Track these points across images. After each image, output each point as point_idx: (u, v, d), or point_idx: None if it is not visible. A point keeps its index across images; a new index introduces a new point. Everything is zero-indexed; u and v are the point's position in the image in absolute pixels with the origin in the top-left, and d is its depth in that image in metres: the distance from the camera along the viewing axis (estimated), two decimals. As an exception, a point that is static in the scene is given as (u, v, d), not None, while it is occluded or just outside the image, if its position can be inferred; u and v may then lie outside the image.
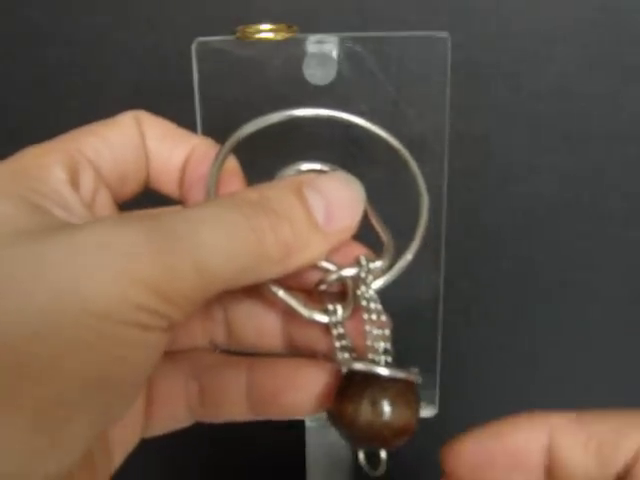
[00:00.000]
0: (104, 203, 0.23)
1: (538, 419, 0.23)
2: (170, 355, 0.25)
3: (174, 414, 0.25)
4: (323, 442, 0.35)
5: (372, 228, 0.25)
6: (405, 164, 0.25)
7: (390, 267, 0.24)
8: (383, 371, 0.22)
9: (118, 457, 0.24)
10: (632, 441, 0.21)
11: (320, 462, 0.36)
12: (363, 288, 0.23)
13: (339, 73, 0.29)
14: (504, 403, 0.45)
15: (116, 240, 0.18)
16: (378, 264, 0.23)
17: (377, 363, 0.22)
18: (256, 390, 0.24)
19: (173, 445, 0.49)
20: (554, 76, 0.38)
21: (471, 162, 0.40)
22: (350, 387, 0.22)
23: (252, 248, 0.20)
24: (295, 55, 0.29)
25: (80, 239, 0.18)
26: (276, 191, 0.22)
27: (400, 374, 0.22)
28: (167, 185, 0.24)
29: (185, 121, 0.26)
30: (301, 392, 0.23)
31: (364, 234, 0.24)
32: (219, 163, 0.23)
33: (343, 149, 0.30)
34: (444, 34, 0.29)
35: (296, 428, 0.35)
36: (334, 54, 0.29)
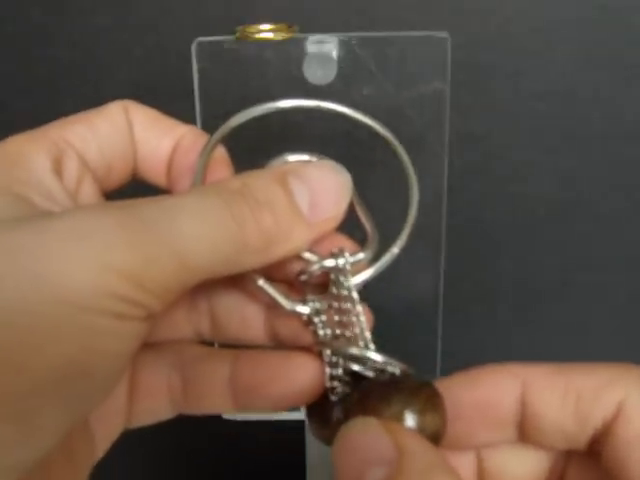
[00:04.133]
0: (89, 193, 0.23)
1: (511, 369, 0.21)
2: (153, 346, 0.24)
3: (157, 406, 0.24)
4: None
5: (357, 219, 0.24)
6: (395, 154, 0.24)
7: (374, 259, 0.23)
8: (376, 356, 0.22)
9: (100, 448, 0.23)
10: (613, 395, 0.20)
11: (320, 462, 0.36)
12: (342, 278, 0.22)
13: (339, 73, 0.29)
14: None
15: (93, 228, 0.17)
16: (361, 256, 0.23)
17: (369, 349, 0.22)
18: (241, 382, 0.23)
19: (173, 444, 0.49)
20: (554, 76, 0.38)
21: (471, 162, 0.40)
22: (368, 396, 0.21)
23: (233, 237, 0.19)
24: (295, 55, 0.29)
25: (57, 227, 0.17)
26: (259, 179, 0.21)
27: (394, 362, 0.22)
28: (155, 175, 0.24)
29: (185, 121, 0.26)
30: (287, 384, 0.23)
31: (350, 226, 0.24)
32: (207, 153, 0.23)
33: (345, 150, 0.30)
34: (444, 34, 0.29)
35: (296, 428, 0.35)
36: (334, 54, 0.29)
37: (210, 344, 0.25)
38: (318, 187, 0.22)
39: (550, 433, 0.21)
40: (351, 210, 0.23)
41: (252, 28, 0.27)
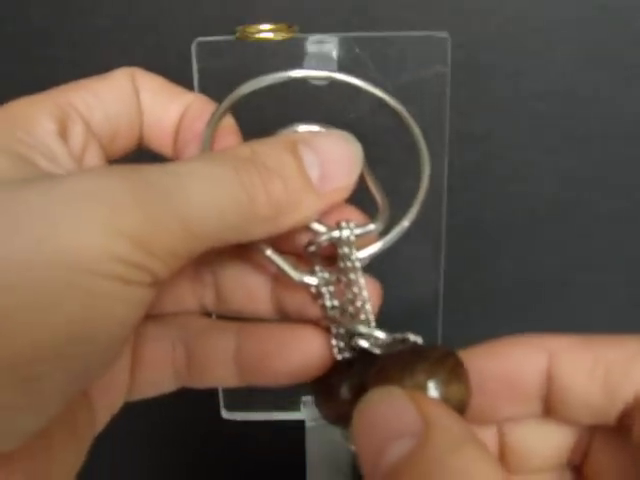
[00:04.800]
0: (95, 158, 0.22)
1: (537, 340, 0.20)
2: (158, 318, 0.24)
3: (160, 378, 0.24)
4: (323, 442, 0.35)
5: (368, 191, 0.24)
6: (407, 128, 0.24)
7: (385, 232, 0.23)
8: (380, 334, 0.21)
9: (102, 419, 0.23)
10: None
11: (320, 462, 0.36)
12: (347, 250, 0.22)
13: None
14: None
15: (100, 191, 0.17)
16: (371, 227, 0.22)
17: (375, 327, 0.22)
18: (246, 355, 0.23)
19: (173, 444, 0.49)
20: (554, 76, 0.38)
21: (471, 162, 0.40)
22: (390, 365, 0.20)
23: (241, 204, 0.19)
24: (295, 55, 0.29)
25: (62, 189, 0.17)
26: (269, 147, 0.21)
27: (399, 336, 0.21)
28: (161, 143, 0.24)
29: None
30: (293, 357, 0.22)
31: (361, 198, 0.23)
32: (215, 121, 0.23)
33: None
34: (444, 34, 0.29)
35: (296, 428, 0.35)
36: (334, 54, 0.29)
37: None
38: (329, 157, 0.21)
39: (576, 407, 0.20)
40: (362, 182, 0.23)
41: (252, 28, 0.27)
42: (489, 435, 0.22)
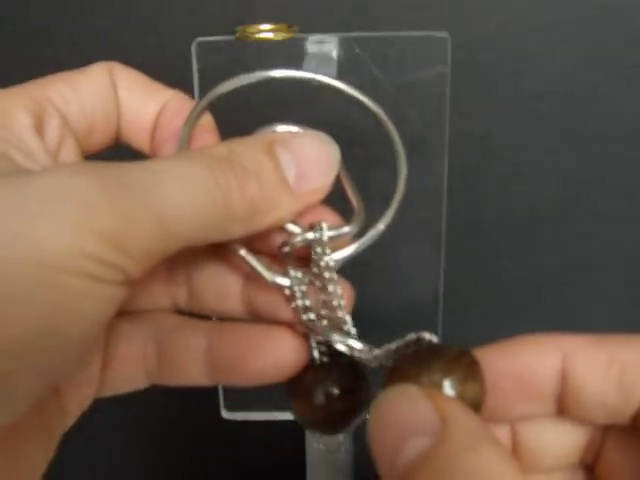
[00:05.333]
0: (70, 153, 0.22)
1: (552, 339, 0.20)
2: (131, 315, 0.24)
3: (131, 375, 0.24)
4: (323, 442, 0.35)
5: (344, 193, 0.24)
6: (385, 132, 0.24)
7: (360, 235, 0.23)
8: (357, 344, 0.21)
9: (72, 414, 0.23)
10: None
11: (320, 462, 0.36)
12: (320, 252, 0.22)
13: (339, 73, 0.29)
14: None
15: (73, 188, 0.17)
16: (345, 230, 0.22)
17: (352, 336, 0.22)
18: (217, 355, 0.23)
19: (173, 444, 0.49)
20: (554, 76, 0.38)
21: (471, 162, 0.40)
22: (405, 364, 0.20)
23: (216, 204, 0.19)
24: (295, 55, 0.29)
25: (36, 185, 0.17)
26: (246, 147, 0.21)
27: (414, 336, 0.21)
28: (138, 139, 0.23)
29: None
30: (264, 358, 0.22)
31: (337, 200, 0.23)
32: (193, 119, 0.22)
33: (346, 150, 0.30)
34: (444, 34, 0.29)
35: (296, 428, 0.35)
36: (334, 54, 0.29)
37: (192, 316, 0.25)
38: (305, 157, 0.21)
39: (591, 407, 0.20)
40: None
41: (252, 28, 0.27)
42: (502, 434, 0.22)
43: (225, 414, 0.34)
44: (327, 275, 0.22)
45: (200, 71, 0.29)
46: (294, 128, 0.23)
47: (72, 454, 0.46)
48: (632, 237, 0.42)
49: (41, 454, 0.21)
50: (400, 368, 0.20)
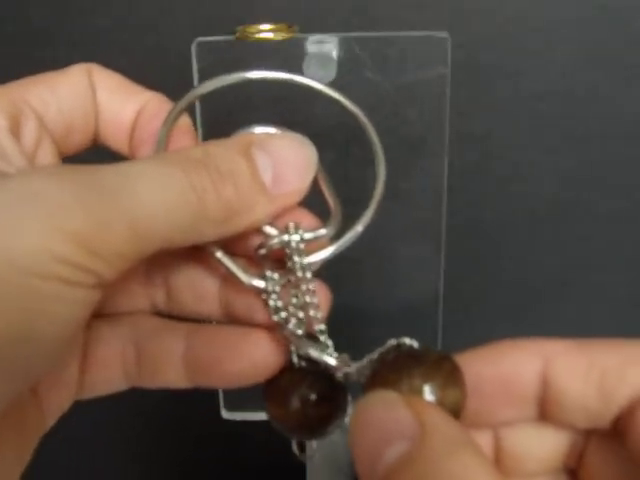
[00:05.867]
0: (47, 155, 0.22)
1: (533, 344, 0.20)
2: (109, 317, 0.24)
3: (109, 378, 0.24)
4: (323, 442, 0.35)
5: (321, 194, 0.24)
6: (365, 133, 0.24)
7: (337, 237, 0.22)
8: (331, 360, 0.21)
9: (50, 417, 0.23)
10: None
11: (320, 462, 0.36)
12: (296, 254, 0.22)
13: (339, 73, 0.29)
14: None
15: (46, 192, 0.17)
16: (322, 232, 0.22)
17: (327, 351, 0.22)
18: (194, 357, 0.23)
19: (173, 444, 0.49)
20: (554, 76, 0.38)
21: (471, 162, 0.40)
22: (385, 369, 0.20)
23: (191, 206, 0.19)
24: (295, 55, 0.29)
25: (8, 188, 0.17)
26: (222, 149, 0.20)
27: (394, 342, 0.21)
28: (117, 140, 0.23)
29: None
30: (241, 361, 0.22)
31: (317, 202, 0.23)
32: (171, 121, 0.22)
33: (343, 149, 0.30)
34: (444, 34, 0.29)
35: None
36: (334, 54, 0.29)
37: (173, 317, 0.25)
38: (282, 159, 0.21)
39: (572, 411, 0.20)
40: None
41: (252, 28, 0.27)
42: (485, 439, 0.22)
43: (225, 414, 0.34)
44: (301, 276, 0.22)
45: (200, 71, 0.29)
46: (272, 129, 0.23)
47: (72, 454, 0.47)
48: (632, 237, 0.42)
49: (18, 457, 0.21)
50: (380, 374, 0.20)
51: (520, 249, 0.42)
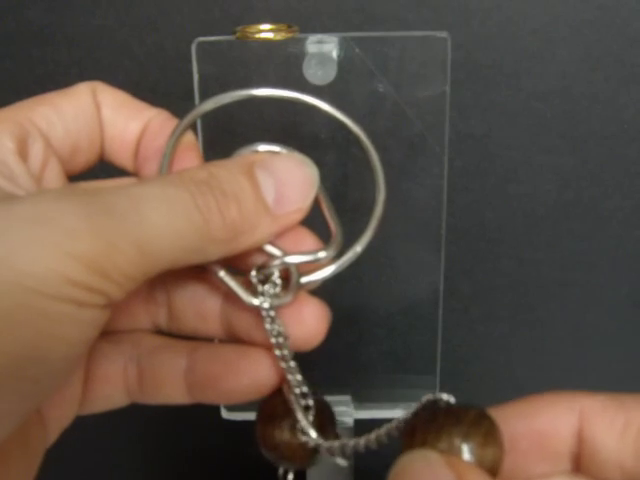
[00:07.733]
0: (54, 175, 0.22)
1: (568, 399, 0.21)
2: (111, 335, 0.24)
3: (112, 394, 0.24)
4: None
5: (322, 216, 0.24)
6: (366, 155, 0.24)
7: (338, 258, 0.23)
8: (313, 434, 0.22)
9: (53, 433, 0.23)
10: None
11: (320, 462, 0.36)
12: (293, 278, 0.22)
13: (339, 73, 0.29)
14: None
15: (55, 214, 0.17)
16: (321, 255, 0.22)
17: (343, 449, 0.22)
18: (196, 374, 0.23)
19: (173, 444, 0.49)
20: (554, 76, 0.38)
21: (471, 162, 0.40)
22: (424, 427, 0.20)
23: (197, 228, 0.19)
24: (295, 55, 0.29)
25: (18, 212, 0.17)
26: (226, 170, 0.21)
27: (431, 397, 0.21)
28: (122, 158, 0.24)
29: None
30: (241, 379, 0.23)
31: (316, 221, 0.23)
32: (175, 137, 0.23)
33: (344, 151, 0.30)
34: (444, 34, 0.29)
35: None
36: (334, 54, 0.29)
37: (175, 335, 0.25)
38: (284, 179, 0.21)
39: (607, 467, 0.20)
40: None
41: (252, 28, 0.27)
42: None
43: (225, 414, 0.34)
44: (277, 303, 0.22)
45: (200, 71, 0.29)
46: (275, 148, 0.24)
47: (72, 454, 0.47)
48: (632, 237, 0.42)
49: (24, 474, 0.22)
50: (420, 432, 0.20)
51: (520, 249, 0.42)
